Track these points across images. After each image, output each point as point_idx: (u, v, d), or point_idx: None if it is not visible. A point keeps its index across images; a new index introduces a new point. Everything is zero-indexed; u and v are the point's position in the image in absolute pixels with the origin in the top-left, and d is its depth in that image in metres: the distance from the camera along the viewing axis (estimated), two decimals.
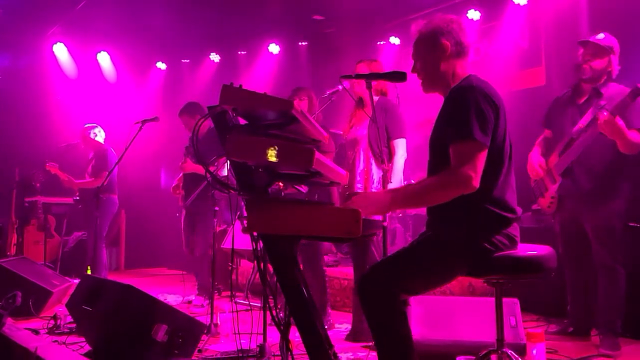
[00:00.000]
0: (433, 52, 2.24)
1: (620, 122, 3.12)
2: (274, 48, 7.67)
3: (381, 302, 2.07)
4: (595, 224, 3.41)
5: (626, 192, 3.40)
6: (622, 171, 3.39)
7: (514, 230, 2.18)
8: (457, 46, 2.22)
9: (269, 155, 1.92)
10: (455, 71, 2.24)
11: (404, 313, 2.12)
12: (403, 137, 3.66)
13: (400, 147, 3.63)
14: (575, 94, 3.56)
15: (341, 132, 3.97)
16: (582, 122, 3.37)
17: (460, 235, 2.12)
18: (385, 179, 3.00)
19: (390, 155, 3.61)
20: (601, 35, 3.42)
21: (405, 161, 3.69)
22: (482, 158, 2.04)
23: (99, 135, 6.03)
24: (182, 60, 8.31)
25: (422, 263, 2.14)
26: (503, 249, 2.12)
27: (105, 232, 5.83)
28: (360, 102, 3.71)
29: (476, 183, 2.02)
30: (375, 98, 3.66)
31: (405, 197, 2.16)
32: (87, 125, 6.06)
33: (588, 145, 3.34)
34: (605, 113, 3.14)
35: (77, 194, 5.93)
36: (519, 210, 2.21)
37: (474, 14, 5.98)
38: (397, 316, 2.08)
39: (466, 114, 2.06)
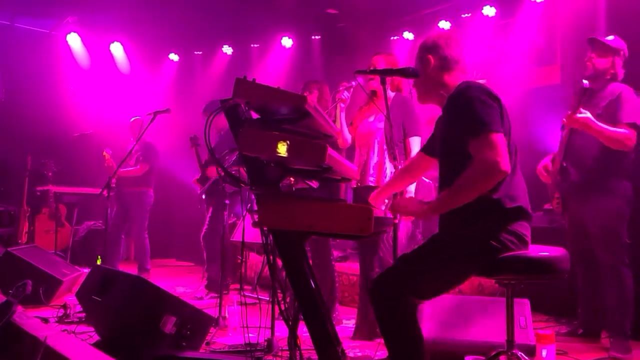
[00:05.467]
0: (421, 66, 2.38)
1: (583, 117, 3.20)
2: (286, 41, 7.64)
3: (393, 307, 2.10)
4: (596, 225, 3.39)
5: (624, 193, 3.35)
6: (617, 170, 3.36)
7: (524, 229, 2.15)
8: (441, 60, 2.32)
9: (280, 149, 1.91)
10: (444, 82, 2.31)
11: (415, 317, 2.14)
12: (419, 136, 3.61)
13: (416, 146, 3.57)
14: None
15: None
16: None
17: (469, 233, 2.11)
18: None
19: (406, 152, 3.58)
20: (611, 37, 3.43)
21: None
22: (503, 143, 2.03)
23: (145, 128, 5.98)
24: (195, 52, 8.30)
25: (433, 266, 2.14)
26: (513, 249, 2.10)
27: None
28: (373, 94, 3.65)
29: (504, 166, 1.99)
30: (392, 94, 3.63)
31: (440, 203, 2.14)
32: (134, 118, 6.01)
33: (579, 143, 3.39)
34: (569, 113, 3.24)
35: (114, 182, 5.83)
36: (529, 208, 2.18)
37: (489, 10, 5.92)
38: (409, 320, 2.10)
39: (473, 111, 2.07)
